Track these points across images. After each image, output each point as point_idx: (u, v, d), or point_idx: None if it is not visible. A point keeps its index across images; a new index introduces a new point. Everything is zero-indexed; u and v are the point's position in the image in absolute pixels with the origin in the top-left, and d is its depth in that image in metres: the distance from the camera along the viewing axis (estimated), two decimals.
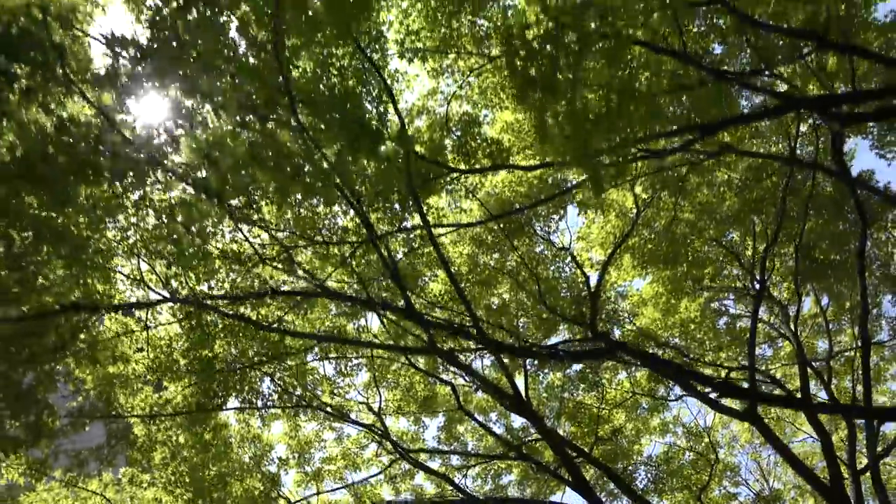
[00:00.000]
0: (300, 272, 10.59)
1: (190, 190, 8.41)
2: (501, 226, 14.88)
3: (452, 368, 16.15)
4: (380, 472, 17.38)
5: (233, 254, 9.74)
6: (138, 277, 11.83)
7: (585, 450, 14.97)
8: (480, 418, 18.10)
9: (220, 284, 10.25)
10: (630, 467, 17.65)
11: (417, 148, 12.12)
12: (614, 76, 8.96)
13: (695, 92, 9.37)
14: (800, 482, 20.29)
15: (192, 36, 6.42)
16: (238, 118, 8.20)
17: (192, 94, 7.04)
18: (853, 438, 14.20)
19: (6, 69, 5.89)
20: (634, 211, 14.66)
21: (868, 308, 11.59)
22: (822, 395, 17.23)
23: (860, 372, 13.57)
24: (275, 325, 10.96)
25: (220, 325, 11.38)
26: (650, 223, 15.43)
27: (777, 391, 15.47)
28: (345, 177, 10.63)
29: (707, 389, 11.55)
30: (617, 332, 17.26)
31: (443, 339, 13.29)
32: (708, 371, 16.56)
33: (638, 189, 14.46)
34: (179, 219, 8.57)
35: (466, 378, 16.69)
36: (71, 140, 6.35)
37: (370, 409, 16.41)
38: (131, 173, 6.76)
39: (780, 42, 10.64)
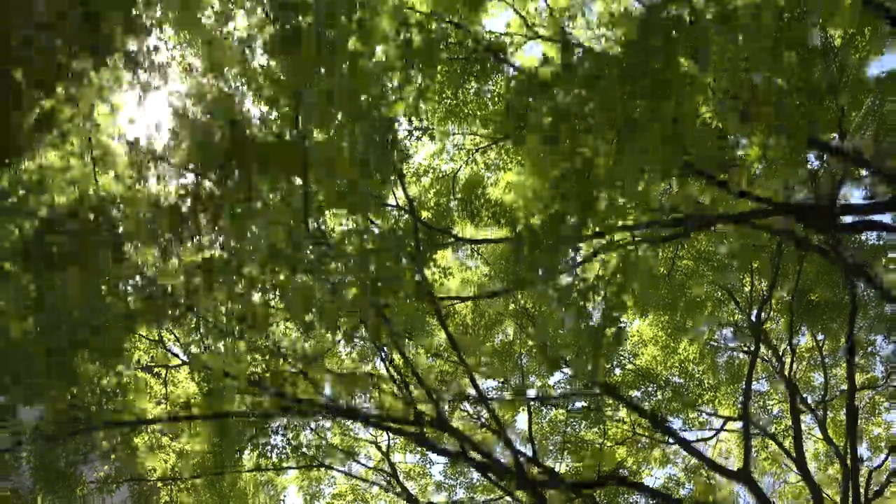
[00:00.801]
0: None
1: None
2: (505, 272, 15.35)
3: None
4: None
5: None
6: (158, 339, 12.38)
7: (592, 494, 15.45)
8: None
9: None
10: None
11: (424, 214, 12.61)
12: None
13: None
14: None
15: None
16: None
17: None
18: (847, 477, 14.66)
19: None
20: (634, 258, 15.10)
21: (854, 373, 12.05)
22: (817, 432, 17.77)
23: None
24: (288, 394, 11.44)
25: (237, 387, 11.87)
26: (651, 269, 15.87)
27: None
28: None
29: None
30: (617, 371, 17.76)
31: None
32: (703, 419, 17.14)
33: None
34: None
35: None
36: None
37: (378, 447, 16.94)
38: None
39: None
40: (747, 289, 16.46)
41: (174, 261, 6.59)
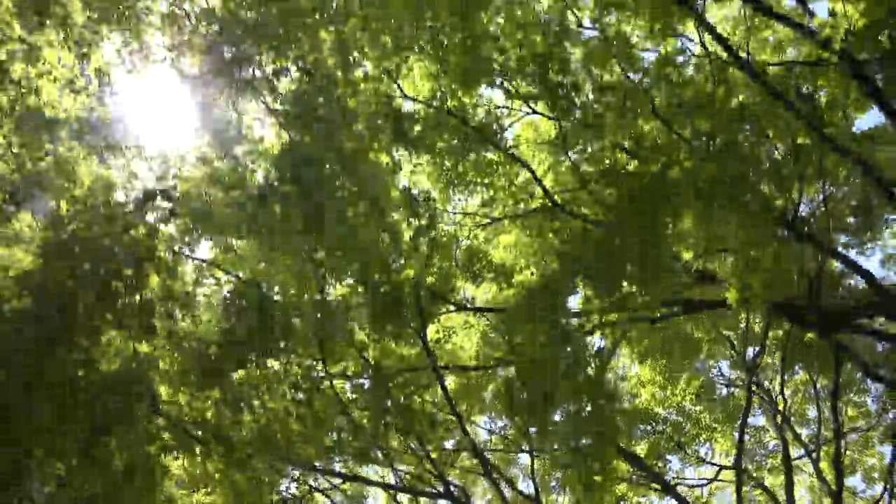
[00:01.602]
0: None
1: None
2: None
3: None
4: None
5: None
6: None
7: None
8: None
9: None
10: None
11: (428, 279, 13.16)
12: None
13: None
14: None
15: None
16: None
17: None
18: None
19: None
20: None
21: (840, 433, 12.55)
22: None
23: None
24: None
25: None
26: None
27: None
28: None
29: None
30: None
31: None
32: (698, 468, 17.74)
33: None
34: None
35: None
36: None
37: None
38: None
39: None
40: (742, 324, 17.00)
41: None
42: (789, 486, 14.23)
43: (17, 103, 7.83)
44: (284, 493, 10.44)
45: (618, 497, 19.22)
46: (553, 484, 19.63)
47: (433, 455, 11.67)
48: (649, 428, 17.61)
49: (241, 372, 7.50)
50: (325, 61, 7.77)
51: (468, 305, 13.45)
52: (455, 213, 14.15)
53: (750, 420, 19.66)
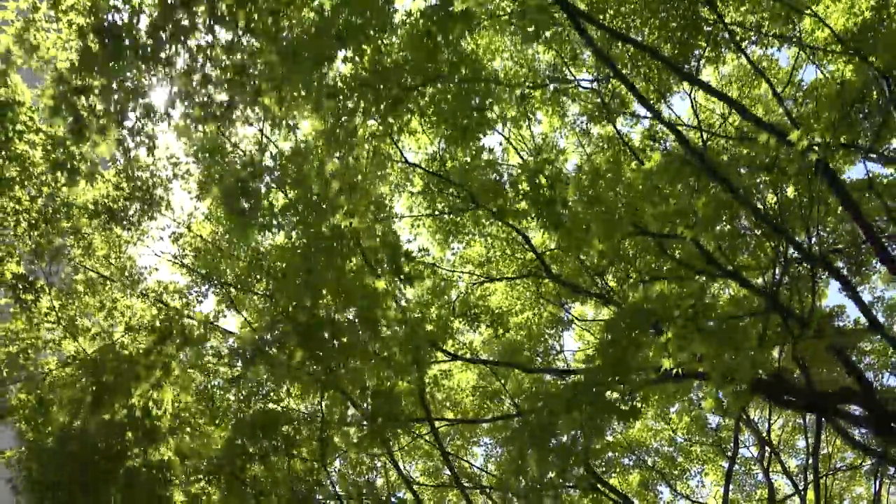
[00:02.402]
0: None
1: None
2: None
3: None
4: None
5: None
6: None
7: None
8: None
9: None
10: None
11: (428, 327, 13.62)
12: None
13: None
14: None
15: None
16: None
17: None
18: None
19: None
20: None
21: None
22: None
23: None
24: None
25: None
26: None
27: None
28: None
29: None
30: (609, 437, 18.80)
31: None
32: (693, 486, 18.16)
33: None
34: None
35: None
36: None
37: None
38: None
39: None
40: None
41: None
42: None
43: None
44: None
45: None
46: None
47: None
48: (641, 459, 18.11)
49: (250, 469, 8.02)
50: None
51: (462, 356, 13.89)
52: (451, 259, 14.59)
53: (741, 451, 20.22)
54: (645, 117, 13.25)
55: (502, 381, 15.30)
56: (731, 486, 17.60)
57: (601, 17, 12.20)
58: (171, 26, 4.68)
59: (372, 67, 8.09)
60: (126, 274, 10.51)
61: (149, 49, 4.57)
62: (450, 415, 16.14)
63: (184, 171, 9.24)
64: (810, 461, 18.33)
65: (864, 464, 18.72)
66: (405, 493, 15.63)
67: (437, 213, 12.92)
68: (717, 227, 8.04)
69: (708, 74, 14.03)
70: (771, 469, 18.36)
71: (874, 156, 10.02)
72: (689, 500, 18.01)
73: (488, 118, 11.12)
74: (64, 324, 9.29)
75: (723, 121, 13.65)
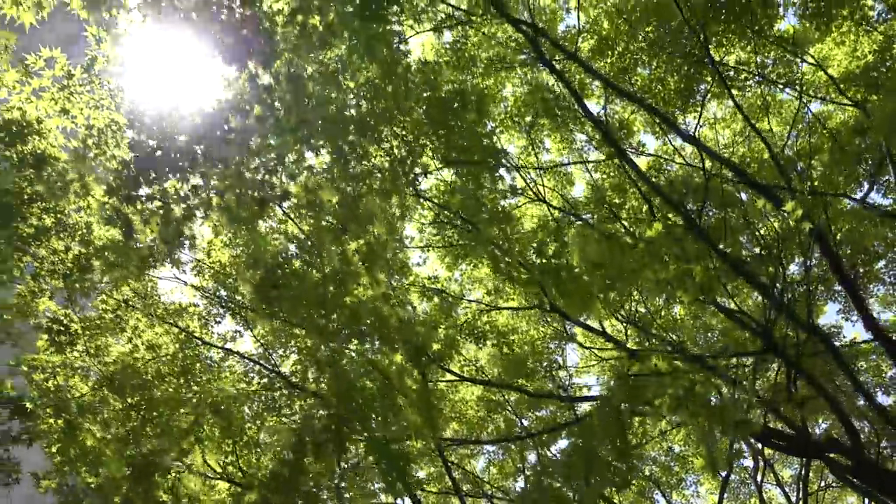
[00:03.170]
0: None
1: None
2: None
3: None
4: None
5: None
6: None
7: None
8: None
9: None
10: None
11: (435, 346, 14.13)
12: None
13: None
14: None
15: None
16: None
17: None
18: None
19: None
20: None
21: None
22: None
23: None
24: None
25: None
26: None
27: None
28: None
29: None
30: None
31: None
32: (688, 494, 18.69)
33: None
34: None
35: None
36: None
37: None
38: None
39: None
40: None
41: None
42: None
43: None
44: None
45: None
46: None
47: None
48: (637, 468, 18.66)
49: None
50: None
51: (467, 376, 14.41)
52: (459, 279, 15.06)
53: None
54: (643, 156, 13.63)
55: (505, 396, 15.82)
56: (726, 496, 18.20)
57: (610, 52, 12.54)
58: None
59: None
60: (148, 301, 11.01)
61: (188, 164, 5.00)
62: (454, 425, 16.70)
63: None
64: (802, 472, 18.93)
65: None
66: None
67: (445, 243, 13.37)
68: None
69: (714, 106, 14.34)
70: (765, 479, 18.93)
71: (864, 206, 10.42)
72: None
73: (497, 151, 11.56)
74: (92, 353, 9.81)
75: (729, 153, 14.01)
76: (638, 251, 7.01)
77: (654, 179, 13.49)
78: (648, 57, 12.44)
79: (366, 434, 8.96)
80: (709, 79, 12.47)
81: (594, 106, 13.98)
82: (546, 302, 11.31)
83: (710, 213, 13.61)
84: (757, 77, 12.33)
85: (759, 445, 17.69)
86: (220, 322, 12.73)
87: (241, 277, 12.52)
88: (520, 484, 20.05)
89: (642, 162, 14.16)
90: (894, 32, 11.78)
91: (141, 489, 8.80)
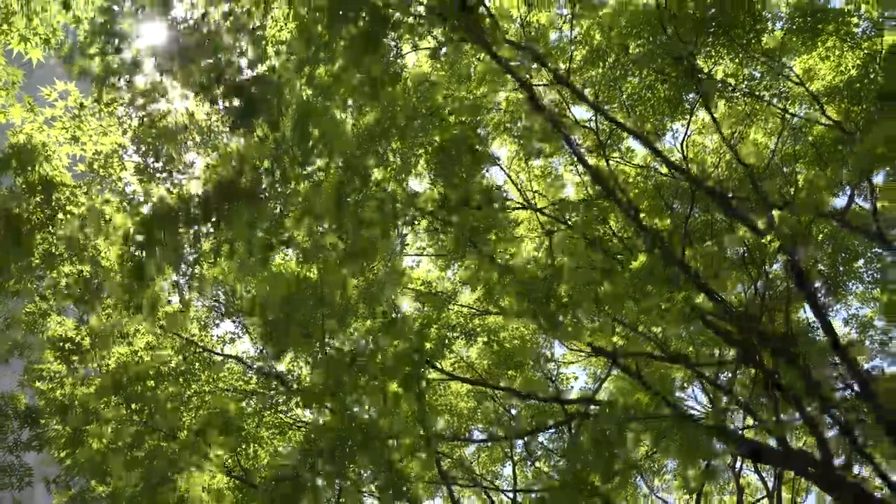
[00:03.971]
0: None
1: None
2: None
3: None
4: None
5: None
6: None
7: None
8: None
9: None
10: None
11: (427, 345, 14.55)
12: None
13: None
14: None
15: None
16: None
17: None
18: None
19: None
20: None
21: None
22: None
23: None
24: None
25: None
26: None
27: None
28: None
29: None
30: None
31: None
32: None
33: None
34: None
35: None
36: None
37: None
38: None
39: None
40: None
41: None
42: None
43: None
44: None
45: None
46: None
47: None
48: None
49: None
50: None
51: (457, 375, 14.89)
52: (452, 277, 15.46)
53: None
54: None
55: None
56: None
57: (601, 62, 12.78)
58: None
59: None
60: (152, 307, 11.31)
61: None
62: (445, 416, 17.24)
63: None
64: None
65: None
66: None
67: (438, 249, 13.73)
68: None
69: (703, 114, 14.64)
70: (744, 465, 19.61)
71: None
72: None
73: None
74: (98, 361, 10.15)
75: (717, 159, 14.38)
76: (623, 279, 7.41)
77: (640, 185, 13.89)
78: (637, 68, 12.70)
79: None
80: (696, 89, 12.77)
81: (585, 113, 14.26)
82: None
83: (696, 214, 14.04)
84: (744, 89, 12.66)
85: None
86: (218, 325, 13.11)
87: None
88: (507, 470, 20.72)
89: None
90: (877, 48, 12.08)
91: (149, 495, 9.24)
